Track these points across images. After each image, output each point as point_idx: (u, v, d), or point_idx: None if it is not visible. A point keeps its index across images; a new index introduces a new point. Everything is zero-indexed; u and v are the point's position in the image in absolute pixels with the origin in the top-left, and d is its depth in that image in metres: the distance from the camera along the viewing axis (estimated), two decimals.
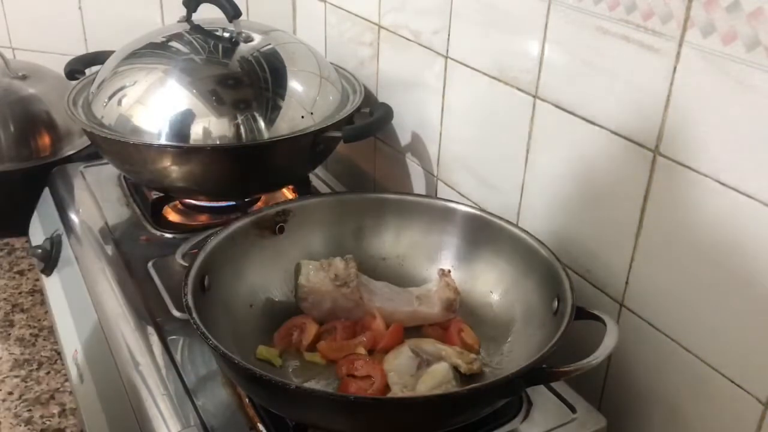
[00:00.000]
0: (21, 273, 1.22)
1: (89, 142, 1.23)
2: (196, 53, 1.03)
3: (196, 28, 1.08)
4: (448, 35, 0.99)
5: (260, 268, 0.88)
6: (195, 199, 1.12)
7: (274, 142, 0.99)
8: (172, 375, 0.79)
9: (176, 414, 0.73)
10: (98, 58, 1.14)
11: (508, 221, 0.88)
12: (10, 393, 0.98)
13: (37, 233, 1.18)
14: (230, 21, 1.06)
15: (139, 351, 0.82)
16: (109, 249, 1.01)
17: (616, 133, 0.77)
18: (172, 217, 1.11)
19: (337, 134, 1.00)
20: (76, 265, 1.02)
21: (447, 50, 1.01)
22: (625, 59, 0.74)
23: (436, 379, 0.75)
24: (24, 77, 1.29)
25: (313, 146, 1.01)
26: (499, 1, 0.89)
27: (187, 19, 1.10)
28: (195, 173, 0.99)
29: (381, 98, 1.19)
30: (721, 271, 0.70)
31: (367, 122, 1.03)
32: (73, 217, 1.10)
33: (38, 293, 1.17)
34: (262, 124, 0.99)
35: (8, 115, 1.24)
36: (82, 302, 0.96)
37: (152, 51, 1.04)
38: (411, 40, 1.08)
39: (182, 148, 0.97)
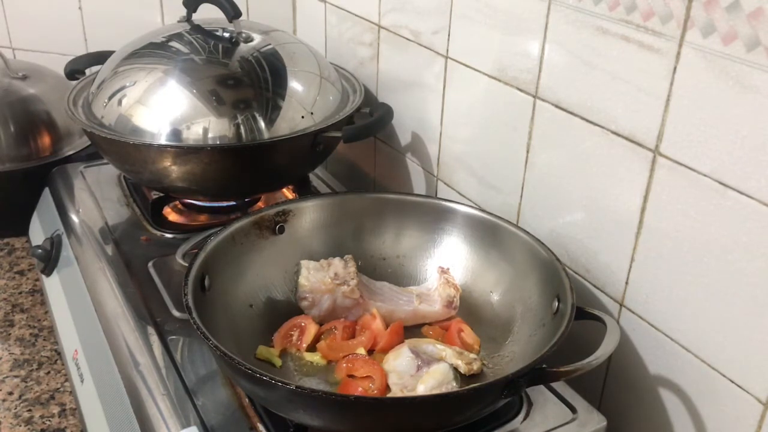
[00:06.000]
0: (21, 273, 1.22)
1: (89, 142, 1.23)
2: (196, 53, 1.03)
3: (196, 28, 1.08)
4: (448, 35, 0.99)
5: (260, 268, 0.88)
6: (195, 199, 1.12)
7: (274, 142, 0.99)
8: (172, 375, 0.79)
9: (176, 414, 0.73)
10: (98, 58, 1.14)
11: (508, 221, 0.88)
12: (10, 393, 0.98)
13: (37, 233, 1.18)
14: (230, 21, 1.06)
15: (139, 351, 0.82)
16: (109, 249, 1.01)
17: (616, 133, 0.77)
18: (172, 217, 1.11)
19: (337, 134, 1.00)
20: (76, 265, 1.02)
21: (447, 50, 1.01)
22: (625, 59, 0.74)
23: (436, 379, 0.75)
24: (24, 77, 1.29)
25: (313, 146, 1.01)
26: (499, 2, 0.89)
27: (187, 19, 1.10)
28: (195, 173, 0.99)
29: (381, 98, 1.19)
30: (720, 271, 0.70)
31: (367, 122, 1.03)
32: (73, 217, 1.10)
33: (38, 293, 1.17)
34: (262, 124, 0.99)
35: (8, 115, 1.24)
36: (82, 302, 0.96)
37: (152, 51, 1.04)
38: (411, 40, 1.08)
39: (182, 148, 0.97)
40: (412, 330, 0.87)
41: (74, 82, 1.13)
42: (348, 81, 1.16)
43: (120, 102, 1.01)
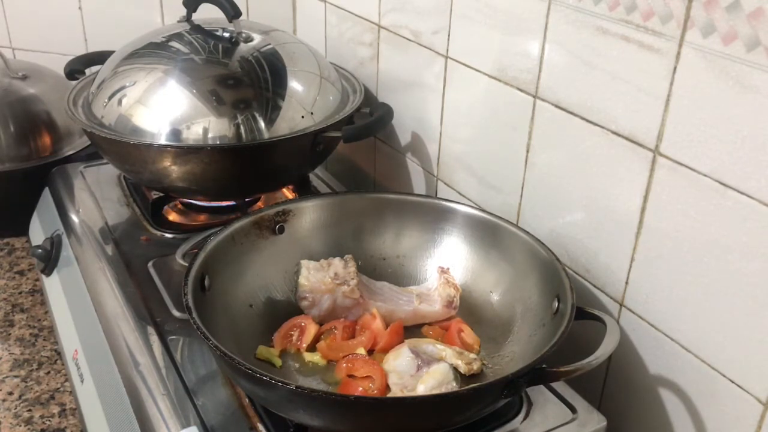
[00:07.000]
0: (21, 273, 1.22)
1: (89, 142, 1.23)
2: (196, 53, 1.03)
3: (196, 28, 1.08)
4: (448, 35, 0.99)
5: (260, 268, 0.88)
6: (195, 199, 1.12)
7: (274, 142, 0.99)
8: (172, 375, 0.79)
9: (176, 414, 0.73)
10: (98, 58, 1.14)
11: (508, 221, 0.88)
12: (10, 393, 0.98)
13: (37, 233, 1.18)
14: (230, 21, 1.06)
15: (139, 351, 0.82)
16: (109, 249, 1.01)
17: (616, 133, 0.77)
18: (172, 217, 1.11)
19: (337, 134, 1.00)
20: (76, 265, 1.02)
21: (447, 50, 1.01)
22: (625, 59, 0.74)
23: (436, 379, 0.75)
24: (24, 77, 1.29)
25: (313, 146, 1.01)
26: (499, 2, 0.89)
27: (187, 19, 1.10)
28: (195, 173, 0.99)
29: (381, 98, 1.19)
30: (720, 271, 0.70)
31: (367, 122, 1.03)
32: (73, 217, 1.10)
33: (38, 293, 1.17)
34: (262, 124, 0.99)
35: (8, 115, 1.24)
36: (82, 302, 0.96)
37: (152, 51, 1.04)
38: (411, 40, 1.08)
39: (182, 148, 0.97)
40: (412, 330, 0.87)
41: (74, 82, 1.14)
42: (348, 81, 1.16)
43: (120, 102, 1.01)
